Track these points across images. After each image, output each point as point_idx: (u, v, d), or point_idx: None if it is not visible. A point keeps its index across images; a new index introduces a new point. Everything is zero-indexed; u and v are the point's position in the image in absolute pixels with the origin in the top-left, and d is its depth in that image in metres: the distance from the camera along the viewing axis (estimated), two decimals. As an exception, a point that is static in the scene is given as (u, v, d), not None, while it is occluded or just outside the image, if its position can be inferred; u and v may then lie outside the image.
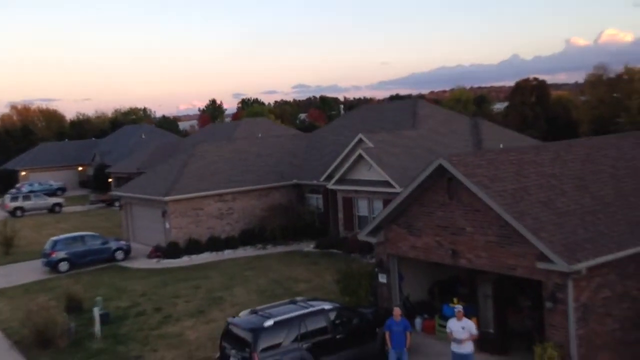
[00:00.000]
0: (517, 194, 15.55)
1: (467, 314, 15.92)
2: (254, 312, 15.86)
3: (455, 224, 16.44)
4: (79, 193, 68.07)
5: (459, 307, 14.58)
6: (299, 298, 17.09)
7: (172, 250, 31.11)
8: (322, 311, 15.74)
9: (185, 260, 30.47)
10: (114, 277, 28.09)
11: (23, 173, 71.91)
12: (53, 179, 69.52)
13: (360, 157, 29.28)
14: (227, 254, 31.49)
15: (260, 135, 43.14)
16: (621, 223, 15.65)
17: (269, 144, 38.21)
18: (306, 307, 15.92)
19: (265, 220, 33.45)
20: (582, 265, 13.73)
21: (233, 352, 15.03)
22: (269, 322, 14.88)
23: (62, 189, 67.00)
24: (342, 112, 39.23)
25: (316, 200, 34.51)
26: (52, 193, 62.19)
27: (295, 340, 14.91)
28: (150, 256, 31.54)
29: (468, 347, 14.40)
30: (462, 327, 14.42)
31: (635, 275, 15.36)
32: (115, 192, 38.42)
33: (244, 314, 15.98)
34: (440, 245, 16.96)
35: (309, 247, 31.48)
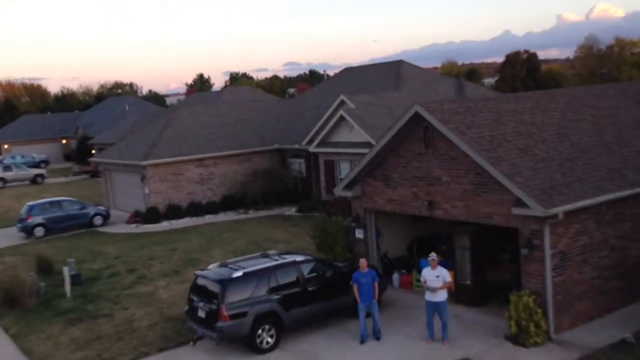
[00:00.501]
0: (494, 141, 15.05)
1: (444, 265, 15.53)
2: (224, 265, 15.37)
3: (432, 174, 15.94)
4: (63, 166, 67.15)
5: (433, 256, 14.14)
6: (271, 251, 16.61)
7: (151, 215, 30.55)
8: (294, 263, 15.27)
9: (164, 225, 29.95)
10: (90, 242, 27.56)
11: (5, 146, 70.81)
12: (36, 152, 68.54)
13: (341, 118, 28.68)
14: (208, 218, 30.98)
15: (242, 100, 42.32)
16: (600, 170, 15.20)
17: (251, 108, 37.51)
18: (277, 260, 15.46)
19: (247, 185, 32.91)
20: (559, 210, 13.28)
21: (201, 304, 14.57)
22: (238, 273, 14.41)
23: (46, 162, 66.11)
24: (325, 77, 38.56)
25: (299, 165, 33.95)
26: (35, 165, 61.20)
27: (265, 292, 14.44)
28: (129, 222, 30.98)
29: (441, 296, 14.00)
30: (436, 276, 13.99)
31: (614, 223, 14.96)
32: (94, 159, 37.66)
33: (213, 266, 15.50)
34: (416, 196, 16.48)
35: (290, 211, 31.02)
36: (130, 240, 27.17)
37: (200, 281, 14.97)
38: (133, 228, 29.99)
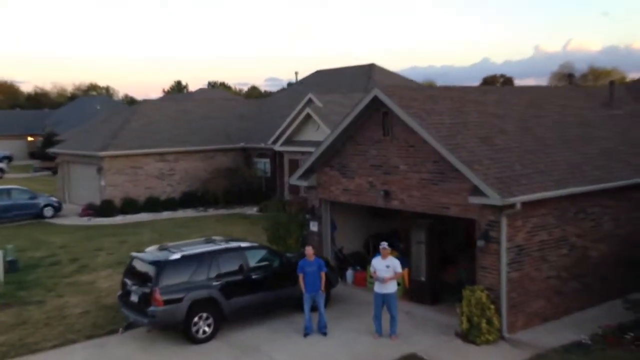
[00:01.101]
0: (454, 128, 14.37)
1: (403, 266, 14.75)
2: (164, 248, 14.38)
3: (389, 163, 15.19)
4: (28, 163, 65.32)
5: (384, 244, 13.34)
6: (216, 237, 15.66)
7: (106, 208, 29.34)
8: (238, 249, 14.34)
9: (118, 219, 28.76)
10: (36, 231, 26.28)
11: (-32, 141, 68.76)
12: (1, 148, 66.63)
13: (308, 116, 27.92)
14: (166, 215, 29.92)
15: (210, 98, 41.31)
16: (562, 164, 14.59)
17: (218, 106, 36.61)
18: (221, 245, 14.52)
19: (209, 183, 31.92)
20: (517, 200, 12.59)
21: (134, 288, 13.55)
22: (175, 256, 13.43)
23: (9, 158, 64.26)
24: (297, 79, 37.88)
25: (264, 165, 33.07)
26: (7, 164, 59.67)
27: (205, 277, 13.46)
28: (81, 215, 29.72)
29: (391, 287, 13.18)
30: (386, 266, 13.18)
31: (575, 221, 14.33)
32: (51, 150, 36.34)
33: (152, 249, 14.50)
34: (372, 186, 15.70)
35: (252, 210, 30.07)
36: (79, 231, 25.96)
37: (136, 263, 13.97)
38: (85, 221, 28.74)
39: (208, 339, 13.36)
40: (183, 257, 13.46)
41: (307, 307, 13.61)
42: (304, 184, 17.63)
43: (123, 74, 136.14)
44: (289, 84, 40.69)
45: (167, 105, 34.85)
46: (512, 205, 12.62)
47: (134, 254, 14.29)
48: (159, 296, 12.80)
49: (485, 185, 12.65)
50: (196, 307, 13.20)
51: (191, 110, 35.24)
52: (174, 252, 13.65)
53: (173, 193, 31.56)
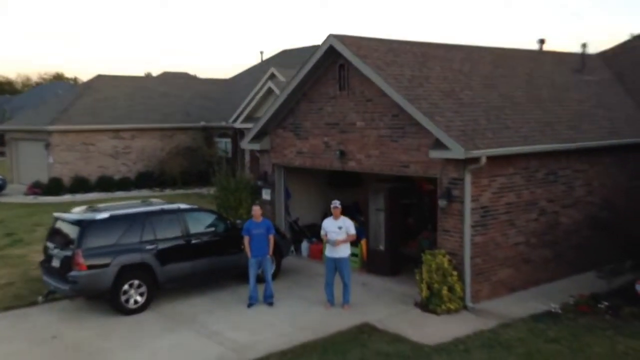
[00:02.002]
0: (416, 80, 13.14)
1: (358, 236, 13.51)
2: (92, 208, 12.90)
3: (345, 120, 13.91)
4: (-16, 150, 62.69)
5: (335, 203, 12.03)
6: (155, 200, 14.21)
7: (53, 187, 27.59)
8: (176, 211, 12.91)
9: (66, 198, 27.01)
10: (-25, 208, 24.46)
11: None
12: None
13: (270, 91, 26.49)
14: (119, 194, 28.17)
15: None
16: (531, 122, 13.46)
17: (178, 85, 35.03)
18: (157, 206, 13.09)
19: (167, 163, 30.33)
20: (481, 153, 11.39)
21: (56, 251, 12.05)
22: (103, 215, 11.97)
23: (-35, 144, 61.55)
24: (262, 59, 36.39)
25: (225, 145, 31.58)
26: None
27: (138, 241, 12.01)
28: (27, 193, 27.91)
29: (344, 251, 11.89)
30: (338, 227, 11.87)
31: (546, 183, 13.21)
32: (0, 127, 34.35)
33: (79, 209, 13.00)
34: (328, 147, 14.41)
35: (210, 191, 28.50)
36: (21, 208, 24.23)
37: (59, 225, 12.46)
38: (30, 199, 26.94)
39: (140, 309, 11.93)
40: (112, 216, 12.00)
41: (252, 273, 12.25)
42: (255, 147, 16.25)
43: (93, 67, 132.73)
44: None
45: (124, 81, 33.10)
46: (477, 160, 11.42)
47: (57, 214, 12.78)
48: (81, 259, 11.31)
49: (447, 136, 11.44)
50: (126, 273, 11.75)
51: (150, 87, 33.60)
52: (101, 212, 12.19)
53: (128, 173, 29.90)
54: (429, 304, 11.68)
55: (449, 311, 11.53)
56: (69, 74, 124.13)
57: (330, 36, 13.56)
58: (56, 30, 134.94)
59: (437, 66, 14.24)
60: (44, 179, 28.44)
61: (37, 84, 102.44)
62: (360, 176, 17.52)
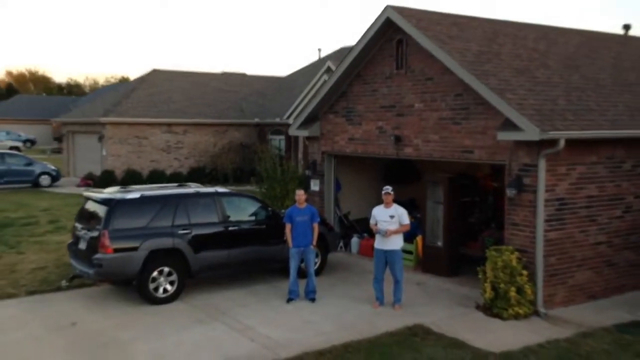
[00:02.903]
0: (484, 56, 11.66)
1: (414, 232, 12.09)
2: (125, 189, 11.98)
3: (402, 102, 12.54)
4: (53, 147, 64.19)
5: (387, 189, 10.67)
6: (193, 184, 13.21)
7: (105, 179, 27.11)
8: (213, 195, 11.83)
9: (117, 190, 26.53)
10: (25, 196, 24.30)
11: (-8, 123, 68.03)
12: (26, 132, 65.79)
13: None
14: (169, 189, 27.60)
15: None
16: (618, 105, 11.74)
17: (234, 81, 34.38)
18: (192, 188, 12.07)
19: (219, 159, 29.62)
20: (560, 135, 9.80)
21: (83, 232, 11.17)
22: (133, 195, 11.02)
23: (32, 141, 63.33)
24: (320, 56, 35.32)
25: (279, 142, 30.62)
26: (22, 145, 58.72)
27: (170, 225, 10.98)
28: (79, 185, 27.66)
29: (395, 243, 10.51)
30: (390, 216, 10.50)
31: (634, 176, 11.43)
32: (56, 119, 34.52)
33: (111, 189, 12.11)
34: (382, 132, 13.07)
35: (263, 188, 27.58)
36: (71, 198, 23.79)
37: (88, 205, 11.59)
38: (81, 190, 26.60)
39: (170, 299, 10.87)
40: (143, 197, 11.03)
41: (293, 265, 11.02)
42: (304, 133, 15.07)
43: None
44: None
45: (179, 76, 32.70)
46: (554, 143, 9.84)
47: (87, 193, 11.94)
48: (107, 241, 10.36)
49: (519, 115, 9.91)
50: (156, 258, 10.73)
51: (205, 83, 33.07)
52: (132, 192, 11.24)
53: (180, 168, 29.33)
54: (493, 307, 10.14)
55: (516, 316, 9.96)
56: (133, 76, 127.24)
57: (388, 7, 12.24)
58: (124, 35, 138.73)
59: (508, 43, 12.72)
60: (97, 171, 28.18)
61: (104, 87, 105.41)
62: (417, 171, 16.11)
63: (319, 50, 36.84)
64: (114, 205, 10.68)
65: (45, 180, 27.33)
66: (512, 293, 9.97)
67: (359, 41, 13.01)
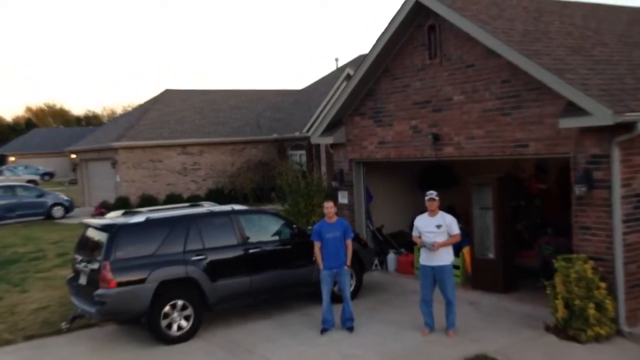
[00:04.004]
0: (531, 35, 10.11)
1: (459, 244, 10.50)
2: (130, 212, 10.57)
3: (439, 95, 11.01)
4: (68, 179, 63.69)
5: (432, 194, 9.09)
6: (207, 203, 11.76)
7: (119, 206, 25.85)
8: (229, 213, 10.33)
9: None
10: (35, 230, 23.12)
11: (12, 158, 67.75)
12: (45, 165, 65.43)
13: (345, 93, 23.91)
14: (187, 213, 26.26)
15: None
16: (695, 82, 10.05)
17: (249, 97, 33.12)
18: (206, 208, 10.61)
19: (237, 179, 28.25)
20: (637, 117, 8.18)
21: (82, 265, 9.74)
22: (138, 219, 9.58)
23: (50, 174, 62.83)
24: (337, 65, 34.02)
25: (299, 158, 29.17)
26: (40, 178, 58.33)
27: (181, 251, 9.51)
28: (94, 214, 26.40)
29: (445, 257, 8.89)
30: (436, 226, 8.91)
31: None
32: (69, 149, 33.56)
33: (115, 214, 10.71)
34: (417, 131, 11.52)
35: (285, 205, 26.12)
36: (82, 228, 22.50)
37: (89, 233, 10.18)
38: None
39: (186, 336, 9.37)
40: (149, 220, 9.59)
41: (325, 289, 9.46)
42: (328, 140, 13.58)
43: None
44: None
45: (193, 95, 31.53)
46: (630, 127, 8.22)
47: (86, 220, 10.54)
48: (109, 274, 8.91)
49: (585, 96, 8.31)
50: (167, 290, 9.25)
51: (220, 100, 31.86)
52: (136, 215, 9.82)
53: (198, 190, 28.00)
54: (567, 328, 8.47)
55: (597, 338, 8.29)
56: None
57: (416, -11, 10.77)
58: (138, 62, 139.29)
59: (555, 21, 11.15)
60: (112, 199, 26.97)
61: (120, 115, 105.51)
62: (455, 175, 14.54)
63: (336, 59, 35.62)
64: (116, 232, 9.24)
65: (58, 211, 26.16)
66: (591, 310, 8.30)
67: (385, 31, 11.53)
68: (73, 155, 69.15)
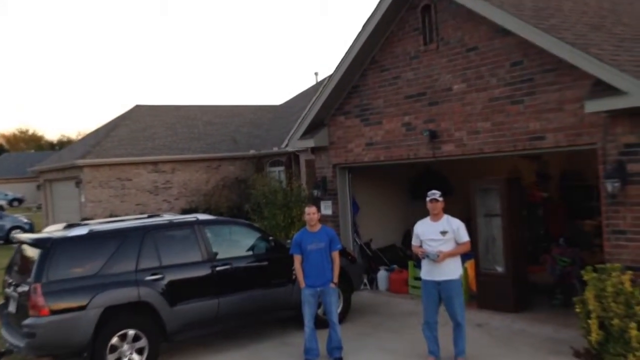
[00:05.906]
0: (544, 12, 8.73)
1: (463, 257, 8.94)
2: (72, 224, 8.85)
3: (436, 85, 9.56)
4: (37, 204, 61.38)
5: (434, 194, 7.53)
6: (167, 214, 10.10)
7: (85, 228, 24.09)
8: (192, 224, 8.69)
9: (99, 240, 23.41)
10: (-10, 253, 21.07)
11: (-22, 184, 65.23)
12: (15, 191, 63.08)
13: (326, 104, 22.50)
14: (158, 234, 24.46)
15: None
16: None
17: (225, 112, 31.54)
18: (165, 219, 8.96)
19: (212, 197, 26.52)
20: (682, 94, 6.78)
21: (12, 289, 8.01)
22: (78, 232, 7.90)
23: (19, 200, 60.52)
24: (317, 80, 32.87)
25: (278, 174, 27.56)
26: (8, 203, 56.06)
27: (133, 269, 7.85)
28: (57, 236, 24.54)
29: (452, 270, 7.29)
30: (441, 232, 7.35)
31: None
32: (33, 169, 31.66)
33: (54, 227, 9.00)
34: (410, 129, 10.04)
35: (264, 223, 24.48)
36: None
37: (22, 250, 8.46)
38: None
39: (139, 374, 7.66)
40: (92, 233, 7.90)
41: (307, 312, 7.83)
42: (309, 144, 12.03)
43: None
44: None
45: (165, 110, 29.85)
46: (673, 108, 6.81)
47: (18, 235, 8.85)
48: (40, 299, 7.19)
49: (619, 72, 6.90)
50: (115, 318, 7.56)
51: (193, 116, 30.23)
52: (78, 227, 8.15)
53: (170, 210, 26.12)
54: (603, 353, 6.93)
55: (642, 366, 6.76)
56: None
57: (408, -38, 9.37)
58: (111, 84, 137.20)
59: (568, 1, 9.80)
60: (76, 220, 25.01)
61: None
62: (450, 183, 13.07)
63: (316, 74, 34.14)
64: (50, 247, 7.53)
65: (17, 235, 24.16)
66: (633, 331, 6.77)
67: (372, 15, 10.09)
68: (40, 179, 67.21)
